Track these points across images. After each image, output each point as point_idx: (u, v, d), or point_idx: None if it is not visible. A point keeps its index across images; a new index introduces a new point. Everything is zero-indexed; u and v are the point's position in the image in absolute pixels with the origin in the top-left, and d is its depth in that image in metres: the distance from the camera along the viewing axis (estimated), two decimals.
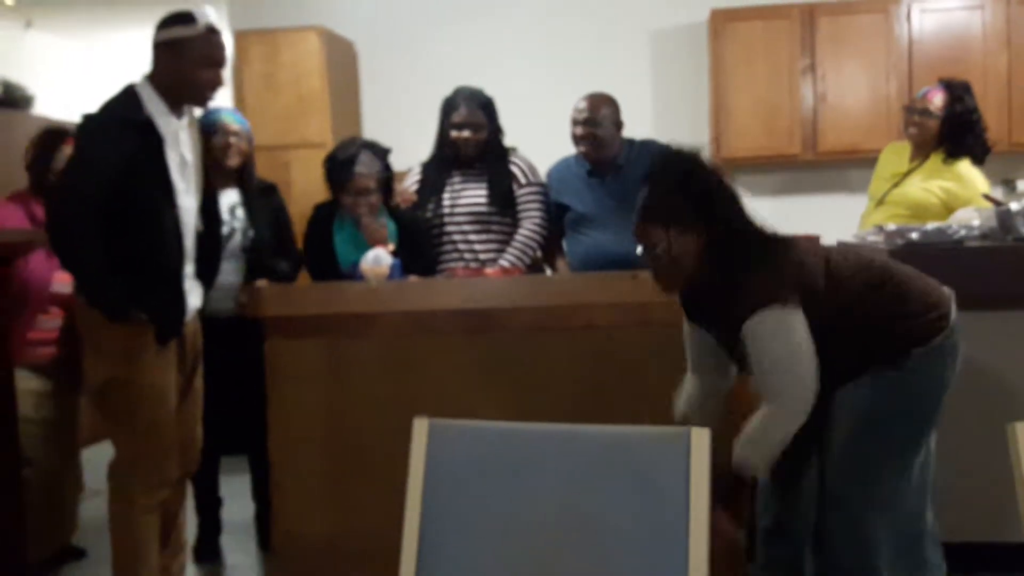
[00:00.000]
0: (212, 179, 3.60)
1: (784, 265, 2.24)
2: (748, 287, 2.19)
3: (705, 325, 2.43)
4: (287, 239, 3.84)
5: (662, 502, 1.64)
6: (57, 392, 3.59)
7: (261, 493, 3.78)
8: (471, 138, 3.71)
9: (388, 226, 3.58)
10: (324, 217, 3.67)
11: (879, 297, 2.29)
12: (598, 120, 3.72)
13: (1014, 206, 3.11)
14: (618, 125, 3.80)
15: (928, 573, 2.44)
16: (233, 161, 3.64)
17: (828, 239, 3.96)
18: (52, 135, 3.57)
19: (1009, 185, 5.50)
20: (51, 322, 3.54)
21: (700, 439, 1.65)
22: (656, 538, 1.63)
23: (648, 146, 3.89)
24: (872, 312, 2.27)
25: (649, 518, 1.64)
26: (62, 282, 3.47)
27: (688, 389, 2.55)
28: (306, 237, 3.72)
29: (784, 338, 2.17)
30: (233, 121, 3.66)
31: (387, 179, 3.58)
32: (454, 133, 3.72)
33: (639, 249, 2.31)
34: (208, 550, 3.78)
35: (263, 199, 3.77)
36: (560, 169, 3.90)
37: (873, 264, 2.35)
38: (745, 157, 5.52)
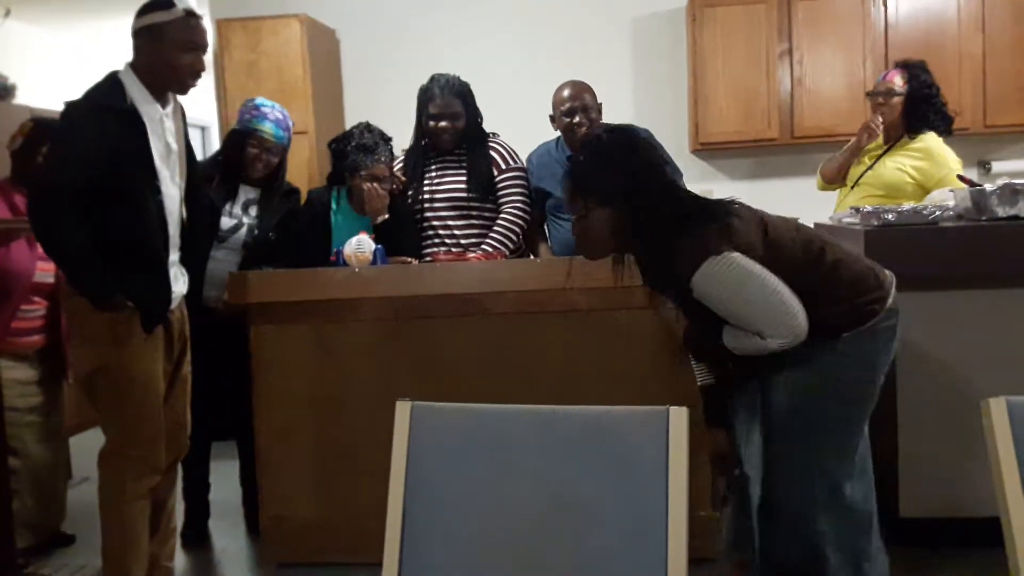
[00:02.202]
0: (240, 175, 3.64)
1: (711, 225, 2.24)
2: (679, 251, 2.22)
3: (662, 290, 2.48)
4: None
5: (642, 480, 1.65)
6: (43, 380, 3.61)
7: (248, 477, 3.81)
8: (449, 127, 3.73)
9: None
10: (322, 200, 3.72)
11: (812, 275, 2.28)
12: (588, 106, 3.74)
13: (989, 187, 3.15)
14: (599, 109, 3.83)
15: (874, 561, 2.46)
16: (257, 174, 3.66)
17: (805, 222, 4.01)
18: (42, 126, 3.57)
19: (984, 167, 5.56)
20: (35, 311, 3.56)
21: (678, 418, 1.67)
22: (636, 516, 1.64)
23: None
24: (803, 289, 2.24)
25: (629, 497, 1.65)
26: (45, 271, 3.49)
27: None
28: (301, 221, 3.75)
29: (736, 277, 2.18)
30: (272, 135, 3.63)
31: (391, 169, 3.68)
32: (431, 124, 3.74)
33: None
34: (196, 534, 3.80)
35: (282, 202, 3.77)
36: (540, 155, 3.93)
37: (813, 244, 2.34)
38: (723, 141, 5.56)
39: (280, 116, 3.69)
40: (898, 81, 3.98)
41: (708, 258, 2.18)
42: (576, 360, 3.23)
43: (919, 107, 3.96)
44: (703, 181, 5.77)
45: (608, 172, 2.30)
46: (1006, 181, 3.15)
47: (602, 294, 3.22)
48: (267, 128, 3.63)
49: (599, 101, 3.81)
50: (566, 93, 3.77)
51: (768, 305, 2.20)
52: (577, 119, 3.72)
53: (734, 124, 5.48)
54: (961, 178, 3.70)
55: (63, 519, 3.78)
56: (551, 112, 3.83)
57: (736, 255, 2.19)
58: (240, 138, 3.64)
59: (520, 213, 3.78)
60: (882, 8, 5.34)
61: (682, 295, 2.31)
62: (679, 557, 1.61)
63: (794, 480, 2.35)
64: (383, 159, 3.61)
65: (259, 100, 3.74)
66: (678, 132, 5.59)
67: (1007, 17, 5.25)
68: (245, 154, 3.62)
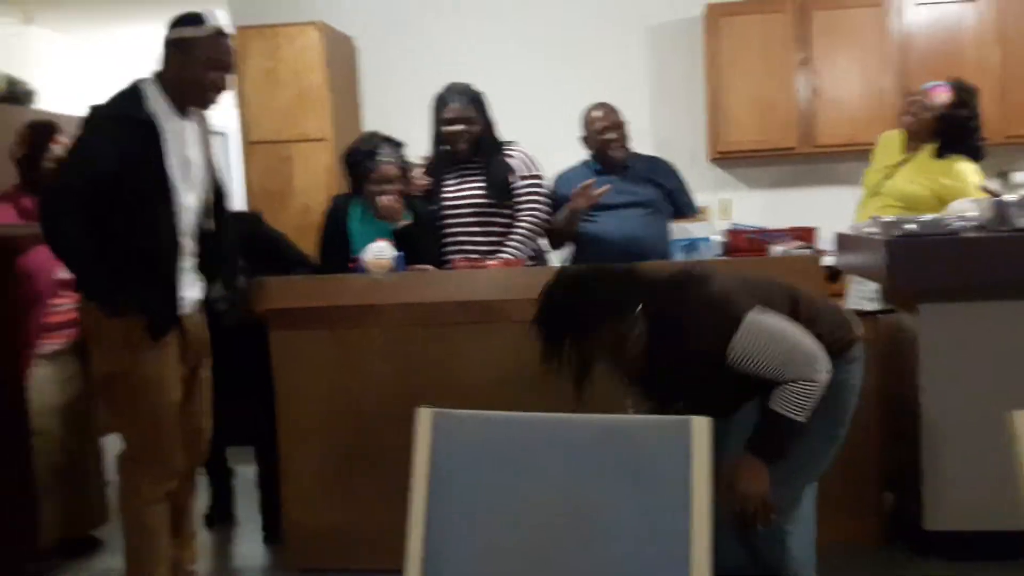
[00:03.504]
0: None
1: (722, 290, 2.32)
2: (702, 328, 2.25)
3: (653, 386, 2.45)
4: (294, 252, 3.83)
5: (664, 491, 1.64)
6: (76, 377, 3.62)
7: (267, 483, 3.82)
8: (463, 131, 3.75)
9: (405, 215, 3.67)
10: (342, 207, 3.74)
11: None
12: (620, 123, 3.97)
13: (1010, 197, 3.14)
14: (627, 128, 4.04)
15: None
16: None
17: (824, 231, 4.01)
18: (39, 130, 3.60)
19: (1004, 177, 5.53)
20: (63, 305, 3.58)
21: (701, 429, 1.67)
22: (658, 527, 1.64)
23: (655, 161, 4.12)
24: None
25: (650, 507, 1.65)
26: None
27: None
28: (323, 227, 3.76)
29: (770, 334, 2.24)
30: None
31: (405, 170, 3.67)
32: (445, 128, 3.78)
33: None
34: (220, 515, 3.83)
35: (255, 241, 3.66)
36: (569, 175, 4.05)
37: (784, 294, 2.41)
38: (741, 151, 5.55)
39: None
40: (940, 99, 3.85)
41: (740, 320, 2.23)
42: (596, 369, 3.22)
43: (956, 135, 3.84)
44: (721, 190, 5.76)
45: (600, 301, 2.27)
46: None
47: None
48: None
49: (626, 121, 4.01)
50: (595, 114, 4.01)
51: (800, 351, 2.25)
52: (614, 136, 3.95)
53: (752, 133, 5.46)
54: (984, 188, 3.68)
55: (104, 520, 3.75)
56: (582, 134, 4.04)
57: (763, 311, 2.26)
58: None
59: (537, 219, 3.80)
60: (900, 17, 5.32)
61: (702, 377, 2.29)
62: (702, 570, 1.60)
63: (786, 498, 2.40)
64: (390, 160, 3.60)
65: None
66: (695, 141, 5.58)
67: None
68: None
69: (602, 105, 4.03)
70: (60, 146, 3.58)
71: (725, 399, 2.37)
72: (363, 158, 3.61)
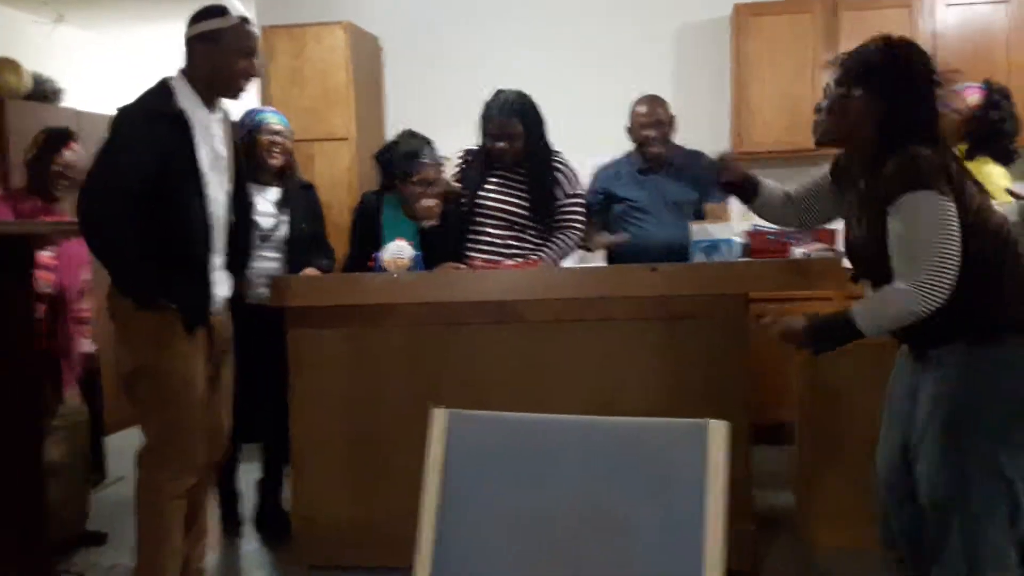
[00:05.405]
0: (256, 175, 3.69)
1: (951, 169, 2.22)
2: (913, 165, 2.18)
3: (840, 189, 2.57)
4: (323, 235, 3.98)
5: (678, 494, 1.63)
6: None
7: (271, 480, 3.87)
8: (506, 148, 3.75)
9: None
10: (374, 205, 3.78)
11: (997, 260, 2.24)
12: (661, 120, 3.96)
13: None
14: (672, 122, 4.03)
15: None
16: (276, 160, 3.77)
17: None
18: (55, 136, 3.67)
19: None
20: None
21: (717, 432, 1.65)
22: (672, 529, 1.62)
23: (698, 156, 4.00)
24: (980, 270, 2.19)
25: (665, 509, 1.63)
26: (45, 280, 3.59)
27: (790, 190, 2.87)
28: (355, 225, 3.82)
29: (937, 221, 2.14)
30: (277, 121, 3.79)
31: (441, 170, 3.76)
32: (488, 143, 3.78)
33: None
34: (229, 523, 3.89)
35: (302, 195, 3.89)
36: (616, 164, 4.10)
37: (1009, 237, 2.30)
38: (767, 151, 5.50)
39: (273, 109, 3.90)
40: (970, 101, 3.73)
41: (932, 189, 2.15)
42: (612, 370, 3.21)
43: (986, 137, 3.72)
44: None
45: (903, 72, 2.30)
46: None
47: (639, 303, 3.21)
48: (268, 116, 3.81)
49: (672, 114, 4.01)
50: (640, 109, 4.01)
51: (939, 258, 2.14)
52: (652, 133, 3.95)
53: (778, 134, 5.42)
54: (1010, 192, 3.62)
55: (86, 519, 3.81)
56: (627, 124, 4.05)
57: (953, 207, 2.16)
58: (250, 139, 3.73)
59: (573, 239, 3.84)
60: (929, 18, 5.26)
61: (869, 221, 2.29)
62: (715, 571, 1.58)
63: (947, 487, 2.21)
64: (430, 161, 3.66)
65: (251, 108, 3.92)
66: (719, 141, 5.53)
67: None
68: (259, 147, 3.72)
69: (649, 99, 4.03)
70: (73, 153, 3.66)
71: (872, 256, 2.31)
72: (403, 158, 3.64)
